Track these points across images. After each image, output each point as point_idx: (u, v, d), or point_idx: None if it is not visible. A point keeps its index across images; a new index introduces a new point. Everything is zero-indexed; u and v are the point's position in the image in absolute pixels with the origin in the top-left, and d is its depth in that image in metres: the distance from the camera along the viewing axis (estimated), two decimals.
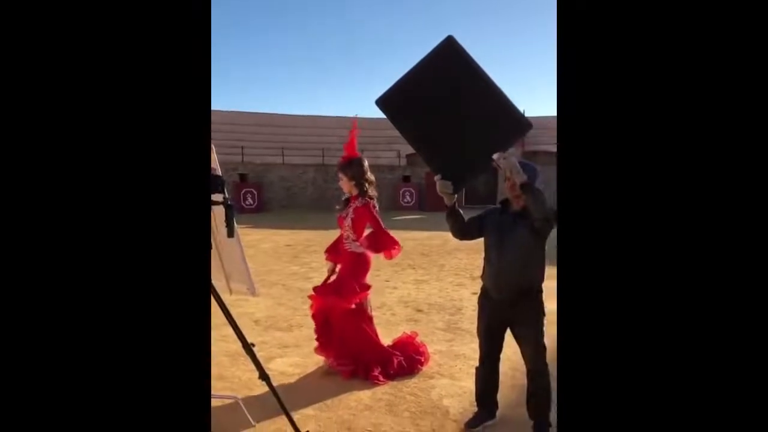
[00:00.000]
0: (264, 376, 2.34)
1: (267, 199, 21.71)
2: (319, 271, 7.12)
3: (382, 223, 3.85)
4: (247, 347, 2.32)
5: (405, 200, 21.85)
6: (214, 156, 3.05)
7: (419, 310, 5.78)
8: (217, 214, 2.58)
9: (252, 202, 20.91)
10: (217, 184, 2.13)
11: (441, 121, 2.58)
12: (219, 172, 2.90)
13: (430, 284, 7.17)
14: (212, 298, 2.31)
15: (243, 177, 21.35)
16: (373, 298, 6.12)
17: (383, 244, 3.84)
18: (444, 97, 2.55)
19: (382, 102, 2.60)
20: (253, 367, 3.98)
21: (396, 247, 3.92)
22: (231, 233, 2.29)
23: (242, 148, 22.81)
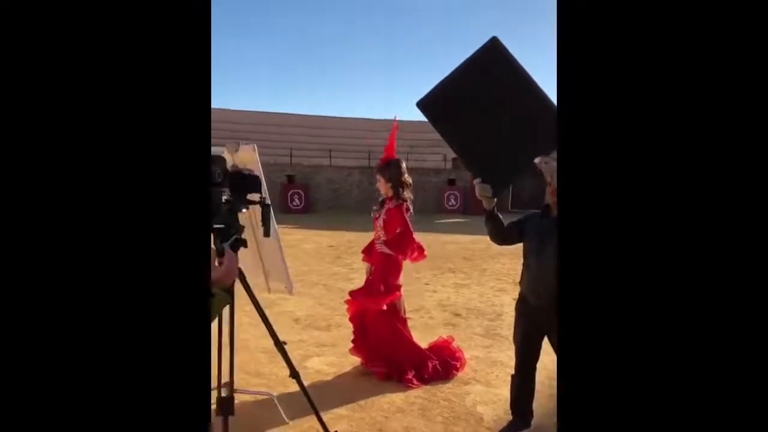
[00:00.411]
0: (294, 374, 2.37)
1: (314, 200, 21.98)
2: (360, 272, 7.15)
3: (411, 227, 3.83)
4: (279, 345, 2.35)
5: (450, 203, 21.71)
6: (254, 156, 3.11)
7: (458, 315, 5.73)
8: (257, 213, 2.63)
9: (299, 203, 21.23)
10: (255, 184, 2.16)
11: (482, 124, 2.54)
12: (258, 173, 2.96)
13: (471, 288, 7.10)
14: (248, 296, 2.35)
15: (291, 178, 21.70)
16: (412, 301, 6.12)
17: (405, 247, 3.80)
18: (486, 99, 2.51)
19: (423, 104, 2.58)
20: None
21: (416, 252, 3.88)
22: (267, 232, 2.32)
23: (291, 150, 23.20)
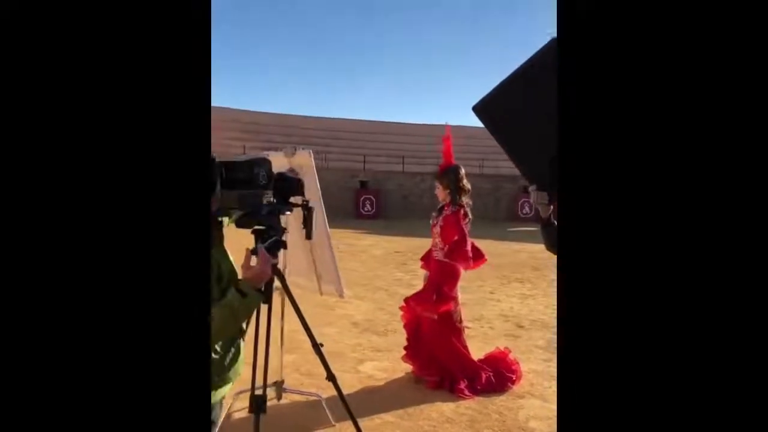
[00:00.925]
0: (331, 377, 2.37)
1: (384, 206, 22.15)
2: (423, 278, 7.13)
3: (467, 234, 3.75)
4: (316, 347, 2.36)
5: (524, 211, 21.22)
6: (310, 161, 3.17)
7: (520, 326, 5.56)
8: (312, 216, 2.66)
9: (370, 209, 21.46)
10: (298, 187, 2.20)
11: (539, 129, 2.45)
12: (312, 177, 3.01)
13: (537, 299, 6.88)
14: (287, 297, 2.39)
15: (363, 184, 22.00)
16: (473, 310, 6.02)
17: (459, 255, 3.71)
18: (543, 104, 2.42)
19: (479, 109, 2.52)
20: (346, 366, 4.09)
21: (472, 260, 3.78)
22: (309, 235, 2.35)
23: (364, 156, 23.51)
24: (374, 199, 21.67)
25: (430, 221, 4.00)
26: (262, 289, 1.72)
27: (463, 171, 3.90)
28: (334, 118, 27.40)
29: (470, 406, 3.46)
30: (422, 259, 4.22)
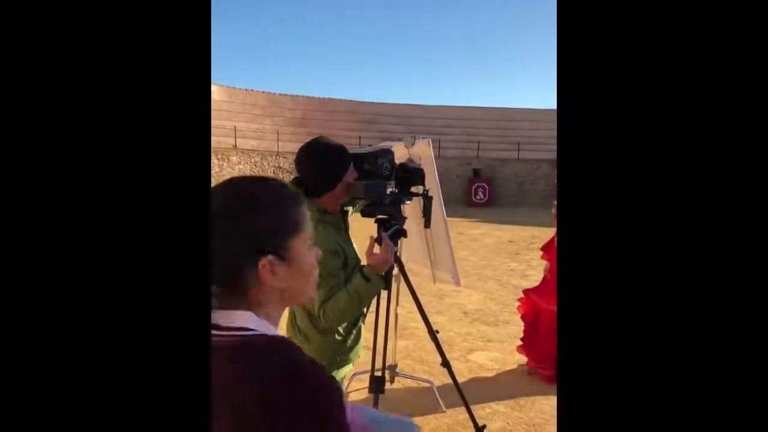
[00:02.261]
0: (445, 363, 2.42)
1: (498, 194, 21.76)
2: (538, 269, 6.93)
3: None
4: (432, 333, 2.41)
5: None
6: (429, 151, 3.21)
7: None
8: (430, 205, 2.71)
9: (483, 197, 21.18)
10: (420, 177, 2.24)
11: None
12: (431, 166, 3.04)
13: None
14: (406, 284, 2.45)
15: (476, 172, 21.75)
16: None
17: None
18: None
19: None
20: (455, 355, 4.13)
21: None
22: (428, 224, 2.39)
23: (478, 143, 23.21)
24: (487, 187, 21.35)
25: (552, 210, 3.88)
26: (384, 275, 1.80)
27: None
28: (447, 106, 27.25)
29: None
30: (543, 248, 4.11)
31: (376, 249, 1.86)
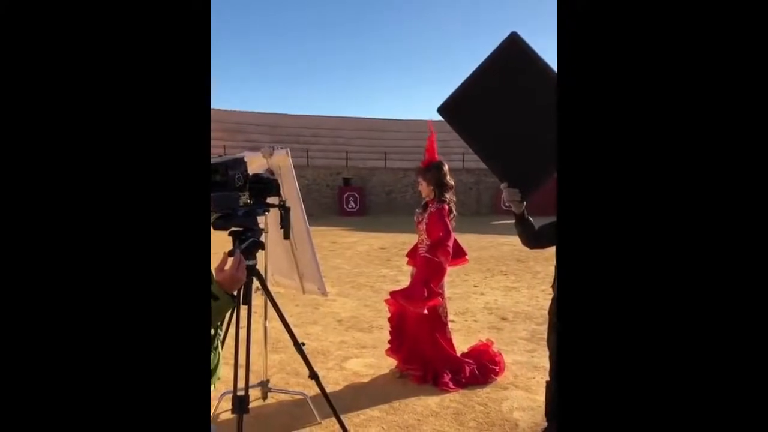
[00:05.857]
0: (313, 375, 2.39)
1: (369, 203, 22.15)
2: (408, 274, 7.15)
3: (451, 230, 3.77)
4: (298, 346, 2.38)
5: (506, 204, 21.32)
6: (288, 161, 3.17)
7: (504, 318, 5.62)
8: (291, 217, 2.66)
9: (354, 206, 21.45)
10: (274, 188, 2.21)
11: (506, 125, 2.46)
12: (291, 176, 3.01)
13: (521, 292, 6.95)
14: (266, 296, 2.40)
15: (347, 181, 21.97)
16: (458, 304, 6.07)
17: (439, 251, 3.71)
18: (508, 99, 2.43)
19: (443, 109, 2.51)
20: (330, 364, 4.11)
21: (456, 257, 3.82)
22: (287, 235, 2.36)
23: (347, 152, 23.47)
24: (358, 196, 21.66)
25: (415, 218, 4.01)
26: (235, 293, 1.72)
27: (447, 167, 3.91)
28: (315, 116, 27.29)
29: (455, 398, 3.50)
30: (408, 255, 4.25)
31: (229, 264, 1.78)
